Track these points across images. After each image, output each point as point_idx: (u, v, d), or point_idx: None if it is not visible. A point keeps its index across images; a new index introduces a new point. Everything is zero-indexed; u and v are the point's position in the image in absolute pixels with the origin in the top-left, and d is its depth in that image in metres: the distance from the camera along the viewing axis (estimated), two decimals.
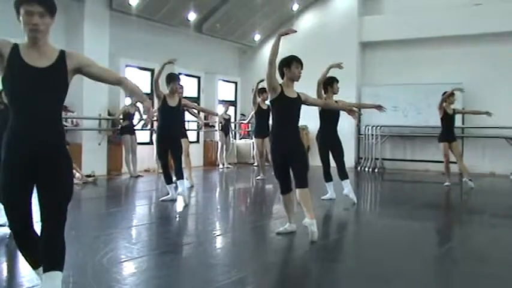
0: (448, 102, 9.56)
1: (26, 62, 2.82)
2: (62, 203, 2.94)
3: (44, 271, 2.88)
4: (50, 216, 2.91)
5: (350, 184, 7.62)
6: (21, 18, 2.81)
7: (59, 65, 2.91)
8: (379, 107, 7.59)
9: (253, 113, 11.24)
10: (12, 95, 2.87)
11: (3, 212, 3.03)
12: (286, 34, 5.28)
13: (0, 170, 2.88)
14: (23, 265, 3.72)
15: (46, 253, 2.91)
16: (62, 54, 2.95)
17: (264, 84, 9.72)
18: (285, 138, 5.31)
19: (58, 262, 2.92)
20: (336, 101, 7.67)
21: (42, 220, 2.92)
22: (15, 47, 2.85)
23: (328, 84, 7.58)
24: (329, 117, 7.64)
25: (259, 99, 10.56)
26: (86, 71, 3.03)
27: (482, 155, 13.00)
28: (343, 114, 7.87)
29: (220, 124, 13.49)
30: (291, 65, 5.37)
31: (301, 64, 5.43)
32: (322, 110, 7.60)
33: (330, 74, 7.68)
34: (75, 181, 9.01)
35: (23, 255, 3.12)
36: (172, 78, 7.68)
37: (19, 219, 2.94)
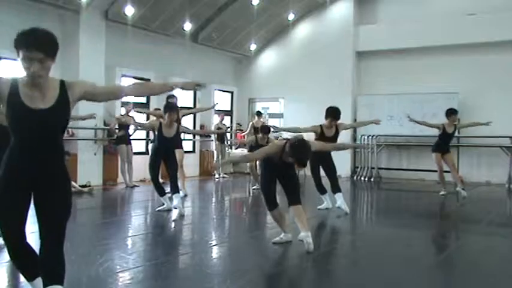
0: (451, 120, 9.55)
1: (27, 106, 2.73)
2: (61, 221, 2.94)
3: (45, 286, 2.86)
4: (49, 234, 2.90)
5: (343, 197, 7.63)
6: (20, 60, 2.69)
7: (61, 102, 2.82)
8: (376, 121, 8.13)
9: (252, 123, 12.36)
10: (13, 129, 2.82)
11: None
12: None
13: None
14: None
15: (46, 269, 2.89)
16: (63, 86, 2.85)
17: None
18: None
19: (59, 276, 2.91)
20: (336, 125, 7.65)
21: (41, 237, 2.91)
22: (14, 84, 2.75)
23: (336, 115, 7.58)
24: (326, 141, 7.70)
25: (254, 120, 11.07)
26: (90, 94, 2.97)
27: (478, 164, 13.03)
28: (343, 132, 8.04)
29: (216, 134, 13.55)
30: None
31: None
32: (320, 136, 7.57)
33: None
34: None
35: (17, 267, 3.10)
36: (170, 109, 7.51)
37: (14, 232, 2.91)
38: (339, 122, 7.64)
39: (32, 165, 2.84)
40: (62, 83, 2.86)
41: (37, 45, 2.66)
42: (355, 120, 14.21)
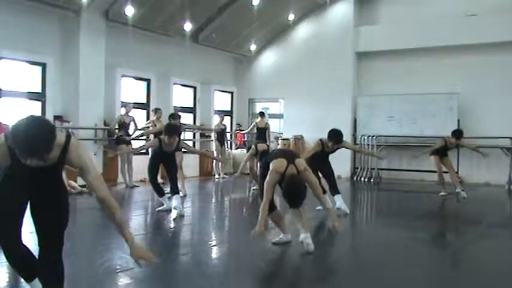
0: (454, 140, 9.66)
1: (25, 164, 2.68)
2: (59, 230, 2.97)
3: None
4: (47, 242, 2.94)
5: (342, 198, 7.63)
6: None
7: (59, 162, 2.82)
8: (379, 157, 8.18)
9: (255, 123, 13.32)
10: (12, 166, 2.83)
11: None
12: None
13: None
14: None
15: (45, 276, 2.94)
16: (65, 149, 2.79)
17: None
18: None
19: (58, 282, 2.96)
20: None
21: (39, 245, 2.94)
22: (12, 151, 2.65)
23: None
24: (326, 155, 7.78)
25: (257, 120, 11.28)
26: (81, 173, 2.88)
27: (478, 164, 12.98)
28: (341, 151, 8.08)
29: (215, 134, 13.59)
30: None
31: None
32: (321, 151, 7.64)
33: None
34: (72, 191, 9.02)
35: (15, 269, 3.11)
36: (169, 133, 7.39)
37: (11, 234, 2.93)
38: None
39: (31, 186, 2.90)
40: (66, 144, 2.79)
41: (34, 158, 2.56)
42: (355, 120, 14.21)
